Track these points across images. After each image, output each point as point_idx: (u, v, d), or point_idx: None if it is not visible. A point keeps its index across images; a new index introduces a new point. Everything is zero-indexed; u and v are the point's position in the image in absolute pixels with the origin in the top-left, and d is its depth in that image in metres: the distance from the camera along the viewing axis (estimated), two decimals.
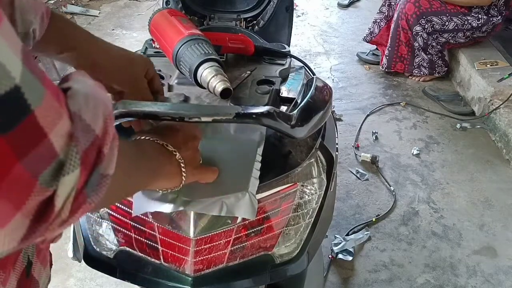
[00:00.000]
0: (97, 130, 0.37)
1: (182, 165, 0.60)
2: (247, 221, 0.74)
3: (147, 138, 0.58)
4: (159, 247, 0.75)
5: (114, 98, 0.73)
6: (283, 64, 1.01)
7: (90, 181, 0.36)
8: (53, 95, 0.34)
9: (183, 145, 0.60)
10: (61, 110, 0.34)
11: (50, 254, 0.58)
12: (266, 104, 0.85)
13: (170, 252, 0.75)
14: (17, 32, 0.41)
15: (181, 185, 0.62)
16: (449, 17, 2.56)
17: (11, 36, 0.31)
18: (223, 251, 0.75)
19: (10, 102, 0.30)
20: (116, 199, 0.60)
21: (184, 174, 0.60)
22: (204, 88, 0.85)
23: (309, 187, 0.81)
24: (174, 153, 0.58)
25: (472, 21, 2.56)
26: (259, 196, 0.73)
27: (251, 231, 0.76)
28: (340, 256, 1.69)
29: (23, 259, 0.47)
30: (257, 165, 0.73)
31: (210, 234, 0.73)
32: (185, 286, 0.74)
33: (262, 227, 0.77)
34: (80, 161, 0.35)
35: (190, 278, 0.74)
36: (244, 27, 1.49)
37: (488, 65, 2.54)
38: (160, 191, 0.67)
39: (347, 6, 3.81)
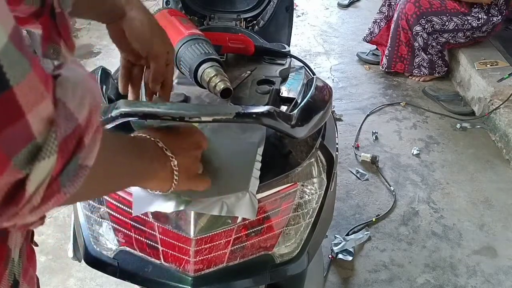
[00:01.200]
0: (80, 119, 0.36)
1: (176, 173, 0.57)
2: (247, 221, 0.74)
3: (147, 136, 0.56)
4: (159, 247, 0.75)
5: (133, 63, 0.75)
6: (283, 64, 1.01)
7: (66, 169, 0.35)
8: (39, 77, 0.33)
9: (183, 151, 0.58)
10: (45, 93, 0.33)
11: (37, 278, 0.56)
12: (266, 104, 0.85)
13: (170, 252, 0.75)
14: None
15: (169, 192, 0.59)
16: (449, 17, 2.57)
17: (3, 13, 0.30)
18: (223, 251, 0.75)
19: None
20: (97, 193, 0.57)
21: (175, 183, 0.58)
22: (204, 88, 0.85)
23: (309, 187, 0.81)
24: (170, 158, 0.56)
25: (472, 21, 2.56)
26: (259, 196, 0.73)
27: (251, 231, 0.76)
28: (340, 256, 1.68)
29: (8, 277, 0.45)
30: (258, 165, 0.73)
31: (210, 234, 0.73)
32: (185, 286, 0.74)
33: (262, 227, 0.77)
34: (58, 147, 0.34)
35: (190, 278, 0.74)
36: (244, 27, 1.49)
37: (488, 65, 2.54)
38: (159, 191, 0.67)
39: (347, 6, 3.81)
